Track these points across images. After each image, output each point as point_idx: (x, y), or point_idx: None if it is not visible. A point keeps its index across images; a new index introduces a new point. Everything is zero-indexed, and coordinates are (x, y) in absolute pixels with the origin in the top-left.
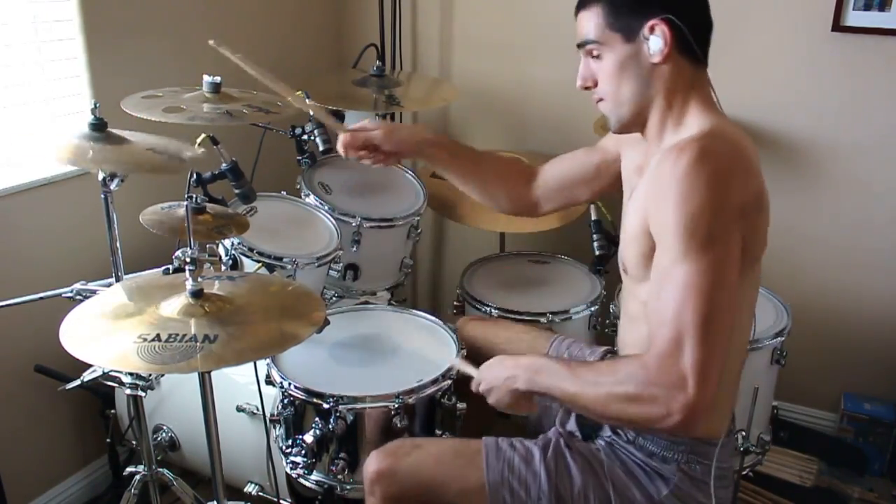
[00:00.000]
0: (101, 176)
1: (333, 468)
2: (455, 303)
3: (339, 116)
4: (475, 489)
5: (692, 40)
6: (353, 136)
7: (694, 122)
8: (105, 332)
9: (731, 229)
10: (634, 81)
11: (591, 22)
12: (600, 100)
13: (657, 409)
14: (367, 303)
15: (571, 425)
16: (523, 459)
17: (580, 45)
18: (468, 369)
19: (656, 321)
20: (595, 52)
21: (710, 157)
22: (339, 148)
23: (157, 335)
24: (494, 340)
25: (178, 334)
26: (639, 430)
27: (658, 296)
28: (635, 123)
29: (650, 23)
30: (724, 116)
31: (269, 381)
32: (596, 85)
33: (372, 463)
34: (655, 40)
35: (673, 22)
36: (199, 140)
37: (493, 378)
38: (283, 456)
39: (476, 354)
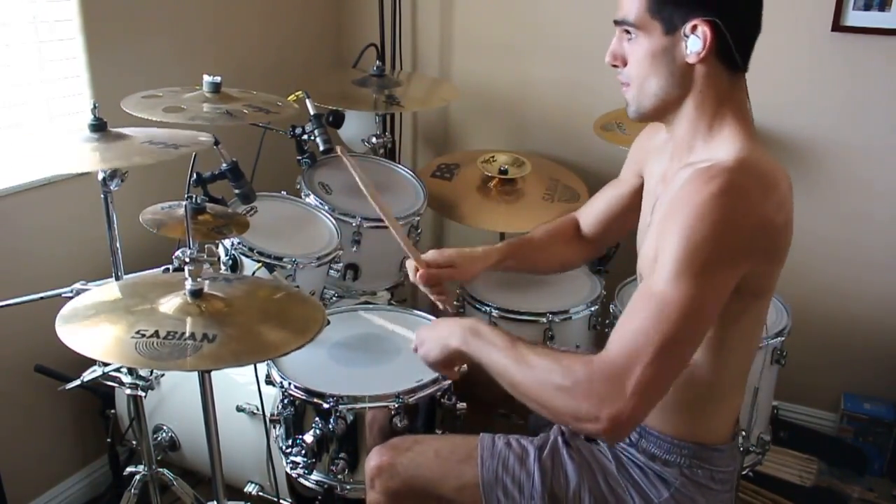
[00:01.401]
0: (101, 176)
1: (333, 468)
2: (455, 302)
3: (339, 116)
4: (471, 486)
5: (734, 47)
6: (434, 275)
7: (728, 141)
8: (102, 327)
9: (728, 267)
10: (663, 76)
11: (634, 2)
12: (625, 84)
13: (586, 408)
14: (367, 303)
15: None
16: (518, 458)
17: (617, 23)
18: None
19: (622, 327)
20: (630, 34)
21: (735, 192)
22: (415, 279)
23: (156, 332)
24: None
25: (176, 332)
26: (640, 432)
27: (634, 303)
28: (654, 117)
29: (693, 21)
30: (757, 139)
31: (269, 381)
32: (625, 65)
33: (373, 458)
34: (695, 41)
35: (717, 25)
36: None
37: (430, 333)
38: (283, 456)
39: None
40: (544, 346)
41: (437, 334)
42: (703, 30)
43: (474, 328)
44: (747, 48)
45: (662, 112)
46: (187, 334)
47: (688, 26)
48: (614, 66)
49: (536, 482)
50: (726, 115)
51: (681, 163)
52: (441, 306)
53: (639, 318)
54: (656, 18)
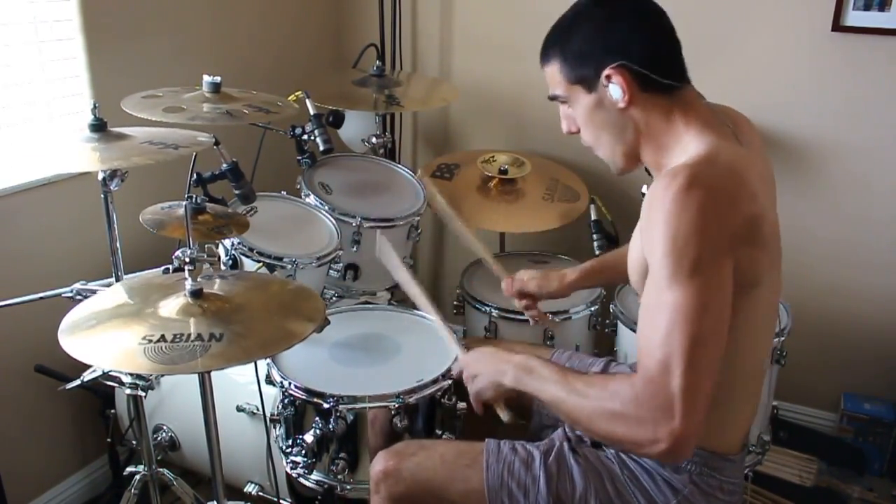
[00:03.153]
0: (101, 176)
1: (333, 468)
2: (455, 303)
3: (339, 116)
4: (476, 491)
5: (655, 76)
6: (513, 281)
7: (690, 145)
8: (107, 335)
9: (720, 256)
10: (609, 128)
11: (554, 78)
12: (590, 147)
13: (643, 432)
14: (367, 303)
15: None
16: (523, 463)
17: (551, 98)
18: (455, 348)
19: (645, 345)
20: (566, 103)
21: (700, 184)
22: (505, 289)
23: (162, 336)
24: None
25: (182, 334)
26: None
27: (647, 320)
28: (631, 165)
29: (605, 73)
30: (722, 134)
31: (270, 381)
32: (579, 130)
33: (378, 462)
34: (614, 89)
35: (628, 67)
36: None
37: (480, 368)
38: (283, 456)
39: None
40: (593, 373)
41: (490, 369)
42: (617, 78)
43: (525, 365)
44: (673, 65)
45: (632, 158)
46: (194, 335)
47: (602, 79)
48: (572, 133)
49: (541, 487)
50: (680, 129)
51: (657, 175)
52: (532, 322)
53: (657, 329)
54: (576, 83)
